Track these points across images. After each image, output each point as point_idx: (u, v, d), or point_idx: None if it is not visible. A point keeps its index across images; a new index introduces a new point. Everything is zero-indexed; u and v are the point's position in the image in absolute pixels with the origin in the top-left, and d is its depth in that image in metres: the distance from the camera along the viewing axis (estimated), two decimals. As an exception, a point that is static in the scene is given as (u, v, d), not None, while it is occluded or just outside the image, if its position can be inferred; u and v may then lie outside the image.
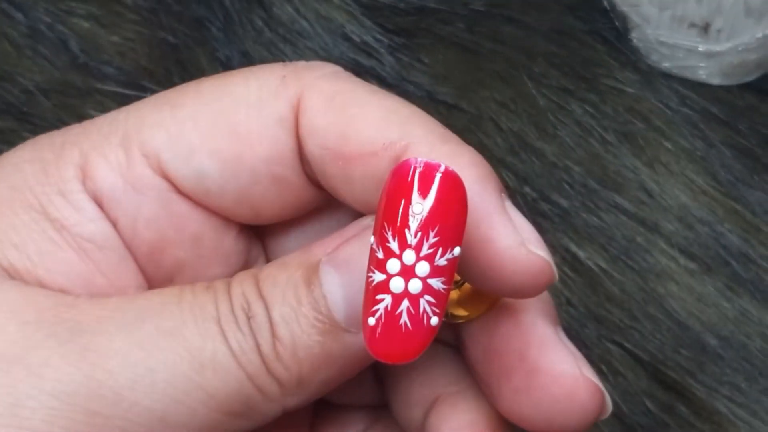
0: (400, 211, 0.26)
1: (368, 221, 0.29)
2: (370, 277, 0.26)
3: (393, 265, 0.26)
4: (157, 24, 0.56)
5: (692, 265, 0.50)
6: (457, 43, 0.56)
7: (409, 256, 0.26)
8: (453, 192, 0.26)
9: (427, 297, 0.26)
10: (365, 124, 0.29)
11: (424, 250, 0.26)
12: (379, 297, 0.26)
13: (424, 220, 0.25)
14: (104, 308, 0.28)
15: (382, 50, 0.55)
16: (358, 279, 0.27)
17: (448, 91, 0.54)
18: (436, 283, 0.26)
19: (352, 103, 0.29)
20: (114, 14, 0.56)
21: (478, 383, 0.31)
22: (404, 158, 0.28)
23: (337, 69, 0.31)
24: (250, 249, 0.33)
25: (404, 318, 0.26)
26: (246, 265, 0.33)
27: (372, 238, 0.26)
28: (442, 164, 0.26)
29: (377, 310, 0.26)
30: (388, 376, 0.33)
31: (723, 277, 0.50)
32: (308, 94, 0.30)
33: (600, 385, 0.29)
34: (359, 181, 0.29)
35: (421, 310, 0.26)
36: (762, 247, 0.51)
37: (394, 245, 0.26)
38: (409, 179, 0.26)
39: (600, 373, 0.48)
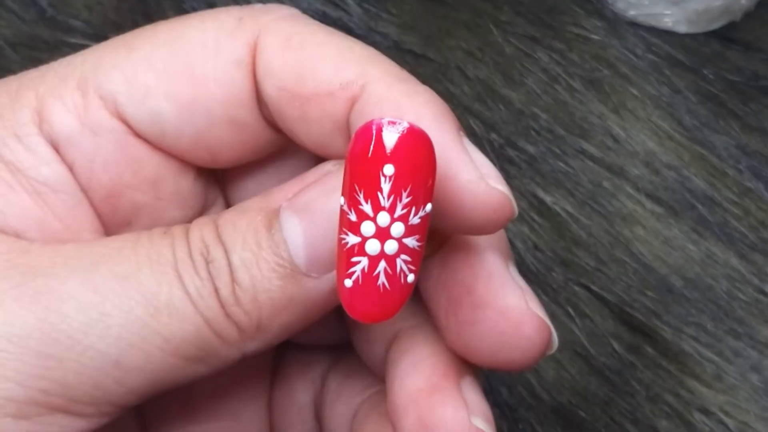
0: (371, 173, 0.25)
1: (329, 166, 0.29)
2: (344, 239, 0.26)
3: (368, 228, 0.26)
4: (125, -23, 0.56)
5: (658, 209, 0.50)
6: (424, -7, 0.56)
7: (383, 218, 0.25)
8: (422, 149, 0.25)
9: (403, 256, 0.26)
10: (322, 64, 0.29)
11: (398, 211, 0.25)
12: (354, 259, 0.26)
13: (397, 181, 0.25)
14: (59, 254, 0.28)
15: (350, 1, 0.55)
16: (318, 224, 0.27)
17: (415, 40, 0.54)
18: (411, 241, 0.26)
19: (308, 44, 0.29)
20: (81, -32, 0.56)
21: (431, 317, 0.31)
22: (359, 100, 0.28)
23: (294, 11, 0.31)
24: (207, 192, 0.32)
25: (382, 279, 0.26)
26: (204, 208, 0.32)
27: (342, 199, 0.26)
28: (406, 122, 0.25)
29: (354, 272, 0.26)
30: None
31: (689, 221, 0.50)
32: (265, 36, 0.29)
33: (547, 320, 0.29)
34: (316, 122, 0.29)
35: (398, 269, 0.26)
36: (727, 191, 0.51)
37: (367, 208, 0.25)
38: (376, 140, 0.25)
39: (567, 315, 0.48)
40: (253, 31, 0.30)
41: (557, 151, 0.51)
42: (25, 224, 0.29)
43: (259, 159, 0.32)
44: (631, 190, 0.51)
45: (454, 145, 0.27)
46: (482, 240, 0.29)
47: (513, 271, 0.30)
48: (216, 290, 0.27)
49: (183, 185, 0.31)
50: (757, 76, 0.53)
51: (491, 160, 0.28)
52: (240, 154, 0.31)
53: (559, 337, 0.46)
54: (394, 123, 0.25)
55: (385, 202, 0.25)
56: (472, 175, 0.27)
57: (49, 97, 0.30)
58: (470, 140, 0.28)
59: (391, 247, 0.26)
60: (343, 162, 0.28)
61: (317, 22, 0.30)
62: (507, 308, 0.28)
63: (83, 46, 0.31)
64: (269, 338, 0.28)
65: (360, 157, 0.25)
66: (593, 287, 0.49)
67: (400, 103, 0.28)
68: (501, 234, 0.30)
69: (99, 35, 0.53)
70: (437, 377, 0.29)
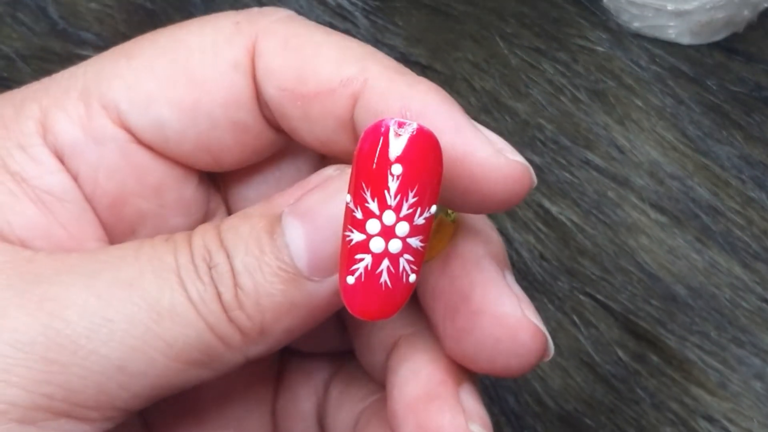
0: (379, 172, 0.25)
1: (330, 171, 0.29)
2: (348, 236, 0.26)
3: (373, 226, 0.26)
4: (135, -9, 0.57)
5: (663, 219, 0.51)
6: (430, 6, 0.56)
7: (389, 217, 0.26)
8: (430, 150, 0.26)
9: (406, 256, 0.26)
10: (322, 62, 0.29)
11: (404, 211, 0.26)
12: (358, 257, 0.26)
13: (404, 180, 0.25)
14: (63, 262, 0.28)
15: (357, 13, 0.56)
16: (320, 228, 0.28)
17: (421, 52, 0.55)
18: (414, 241, 0.26)
19: (307, 44, 0.29)
20: (93, -18, 0.57)
21: (429, 324, 0.31)
22: (362, 95, 0.28)
23: (291, 13, 0.31)
24: (210, 200, 0.33)
25: (384, 277, 0.26)
26: (206, 215, 0.33)
27: (348, 197, 0.26)
28: (415, 122, 0.25)
29: (357, 269, 0.26)
30: (350, 322, 0.33)
31: (693, 230, 0.50)
32: (263, 38, 0.30)
33: (542, 327, 0.29)
34: (319, 119, 0.29)
35: (401, 268, 0.26)
36: (730, 200, 0.51)
37: (373, 206, 0.26)
38: (385, 139, 0.25)
39: (572, 324, 0.49)
40: (251, 34, 0.30)
41: (563, 161, 0.52)
42: (31, 233, 0.30)
43: (260, 164, 0.32)
44: (635, 200, 0.51)
45: (465, 125, 0.28)
46: (479, 248, 0.30)
47: (510, 279, 0.30)
48: (218, 295, 0.28)
49: (186, 192, 0.32)
50: (759, 87, 0.54)
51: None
52: (242, 156, 0.31)
53: (565, 345, 0.47)
54: (403, 124, 0.25)
55: (391, 201, 0.26)
56: (489, 151, 0.27)
57: (53, 108, 0.30)
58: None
59: (395, 246, 0.26)
60: (344, 167, 0.29)
61: (314, 23, 0.30)
62: (503, 316, 0.29)
63: (94, 59, 0.32)
64: (272, 342, 0.29)
65: (368, 155, 0.26)
66: (598, 296, 0.49)
67: (403, 93, 0.28)
68: (498, 242, 0.31)
69: (110, 48, 0.53)
70: (435, 384, 0.29)
